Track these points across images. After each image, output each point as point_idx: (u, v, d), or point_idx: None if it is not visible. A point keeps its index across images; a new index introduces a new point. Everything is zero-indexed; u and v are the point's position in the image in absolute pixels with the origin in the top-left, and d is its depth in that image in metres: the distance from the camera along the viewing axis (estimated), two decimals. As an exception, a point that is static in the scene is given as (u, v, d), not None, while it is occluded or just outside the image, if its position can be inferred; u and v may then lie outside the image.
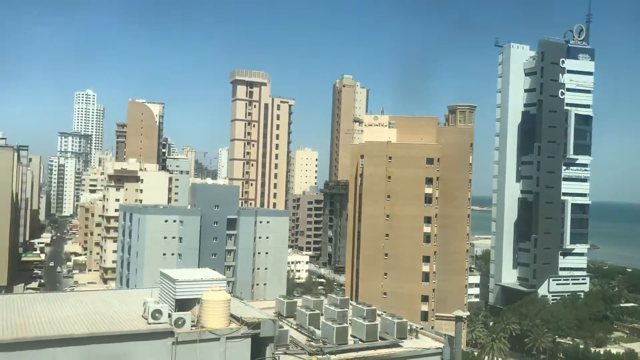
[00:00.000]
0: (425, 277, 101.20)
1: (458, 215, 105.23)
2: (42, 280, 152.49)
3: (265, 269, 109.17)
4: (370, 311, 38.53)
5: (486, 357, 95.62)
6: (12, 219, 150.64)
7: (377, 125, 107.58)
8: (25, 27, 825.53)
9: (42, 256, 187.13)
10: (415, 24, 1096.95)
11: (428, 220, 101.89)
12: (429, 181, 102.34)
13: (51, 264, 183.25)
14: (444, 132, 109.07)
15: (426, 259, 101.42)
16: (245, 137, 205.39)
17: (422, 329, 38.83)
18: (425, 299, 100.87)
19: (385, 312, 41.07)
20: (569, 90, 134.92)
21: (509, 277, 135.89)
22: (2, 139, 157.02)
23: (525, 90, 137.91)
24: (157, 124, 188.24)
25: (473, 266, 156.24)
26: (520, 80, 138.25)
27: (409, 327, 37.06)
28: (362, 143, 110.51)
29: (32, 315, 29.12)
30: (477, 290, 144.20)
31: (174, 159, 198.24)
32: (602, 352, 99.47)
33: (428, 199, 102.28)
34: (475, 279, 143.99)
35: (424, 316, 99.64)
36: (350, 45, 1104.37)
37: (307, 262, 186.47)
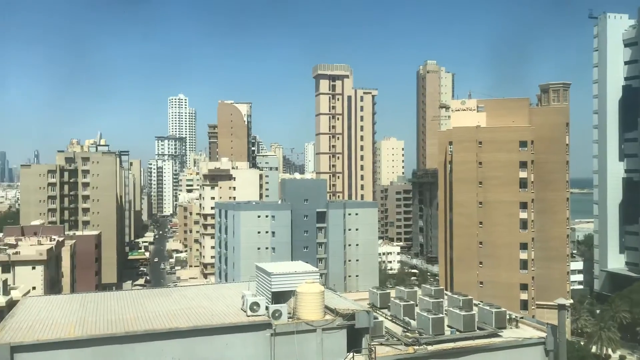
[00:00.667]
0: (524, 264, 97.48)
1: (556, 199, 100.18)
2: (148, 277, 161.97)
3: (357, 260, 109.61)
4: (466, 301, 37.71)
5: (594, 347, 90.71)
6: (118, 220, 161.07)
7: (464, 109, 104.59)
8: (118, 42, 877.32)
9: (147, 254, 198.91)
10: (502, 1, 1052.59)
11: (524, 205, 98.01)
12: (523, 165, 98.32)
13: (155, 259, 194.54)
14: (537, 112, 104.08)
15: (524, 246, 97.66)
16: (330, 130, 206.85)
17: (522, 318, 37.47)
18: (524, 287, 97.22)
19: (482, 301, 40.02)
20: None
21: (616, 262, 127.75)
22: (105, 145, 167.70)
23: (626, 63, 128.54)
24: (246, 123, 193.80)
25: (575, 252, 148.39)
26: (620, 52, 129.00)
27: (508, 317, 35.90)
28: (450, 129, 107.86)
29: (140, 310, 30.98)
30: (580, 277, 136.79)
31: (263, 156, 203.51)
32: None
33: (523, 183, 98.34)
34: (578, 265, 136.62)
35: (524, 305, 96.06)
36: (433, 29, 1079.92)
37: (398, 253, 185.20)
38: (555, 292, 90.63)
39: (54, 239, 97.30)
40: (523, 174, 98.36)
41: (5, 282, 67.67)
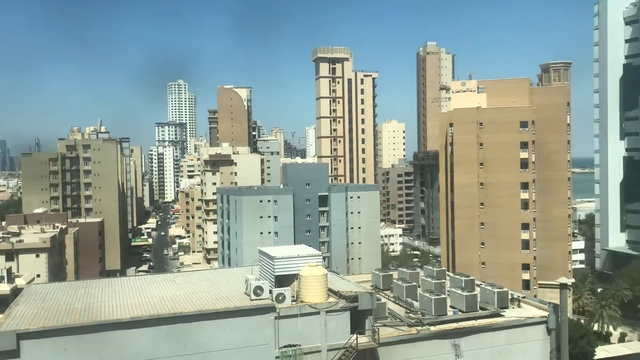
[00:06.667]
0: (525, 244, 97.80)
1: (557, 179, 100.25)
2: (151, 263, 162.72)
3: (359, 243, 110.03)
4: (468, 281, 37.99)
5: (595, 325, 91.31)
6: (121, 207, 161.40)
7: (465, 91, 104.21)
8: (116, 30, 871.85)
9: (150, 240, 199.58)
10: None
11: (525, 186, 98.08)
12: (524, 145, 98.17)
13: (162, 235, 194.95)
14: (538, 92, 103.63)
15: (525, 226, 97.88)
16: (330, 114, 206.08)
17: (524, 297, 37.77)
18: (526, 267, 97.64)
19: (484, 282, 40.30)
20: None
21: (617, 241, 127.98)
22: (106, 133, 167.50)
23: (626, 41, 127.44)
24: (246, 107, 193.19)
25: (576, 231, 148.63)
26: (620, 30, 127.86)
27: (510, 296, 36.19)
28: (451, 111, 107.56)
29: (144, 295, 31.23)
30: (582, 256, 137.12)
31: (264, 140, 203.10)
32: None
33: (524, 164, 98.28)
34: (579, 244, 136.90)
35: (526, 285, 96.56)
36: (432, 11, 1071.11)
37: (400, 235, 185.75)
38: (557, 272, 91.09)
39: (57, 227, 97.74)
40: (524, 154, 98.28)
41: (9, 270, 68.05)
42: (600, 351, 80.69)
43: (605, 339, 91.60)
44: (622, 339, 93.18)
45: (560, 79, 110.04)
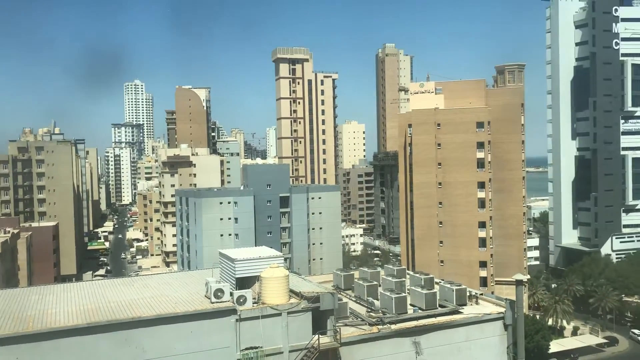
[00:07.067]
0: (482, 242, 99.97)
1: (512, 179, 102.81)
2: (109, 267, 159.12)
3: (321, 244, 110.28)
4: (428, 279, 38.58)
5: (550, 320, 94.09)
6: (76, 211, 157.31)
7: (423, 92, 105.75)
8: (70, 28, 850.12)
9: (107, 244, 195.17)
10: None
11: (481, 185, 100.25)
12: (480, 145, 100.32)
13: (119, 238, 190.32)
14: (493, 94, 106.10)
15: (482, 225, 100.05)
16: (291, 115, 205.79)
17: (482, 294, 38.62)
18: (483, 264, 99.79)
19: (443, 279, 40.99)
20: (623, 39, 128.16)
21: (570, 237, 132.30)
22: (60, 134, 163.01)
23: (577, 44, 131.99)
24: (205, 108, 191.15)
25: (531, 229, 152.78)
26: (571, 33, 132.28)
27: (468, 294, 36.94)
28: (409, 112, 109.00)
29: (102, 300, 30.58)
30: (536, 253, 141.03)
31: (223, 141, 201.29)
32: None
33: (480, 163, 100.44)
34: (534, 241, 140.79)
35: (483, 282, 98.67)
36: (390, 12, 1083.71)
37: (361, 235, 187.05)
38: (513, 269, 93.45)
39: (8, 232, 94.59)
40: (480, 154, 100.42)
41: (-42, 277, 65.57)
42: (555, 345, 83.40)
43: (559, 332, 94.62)
44: (574, 332, 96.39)
45: (515, 81, 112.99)
